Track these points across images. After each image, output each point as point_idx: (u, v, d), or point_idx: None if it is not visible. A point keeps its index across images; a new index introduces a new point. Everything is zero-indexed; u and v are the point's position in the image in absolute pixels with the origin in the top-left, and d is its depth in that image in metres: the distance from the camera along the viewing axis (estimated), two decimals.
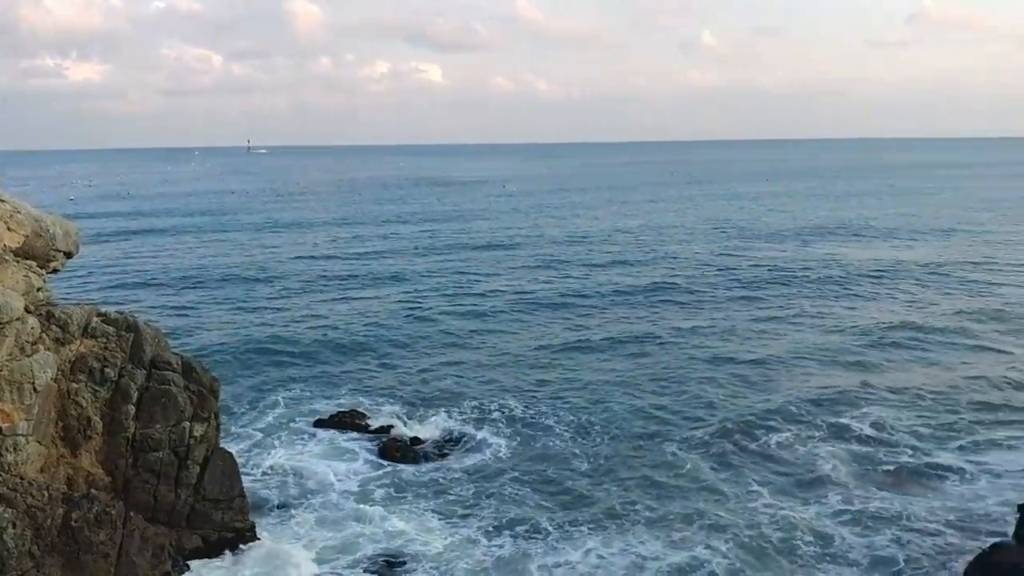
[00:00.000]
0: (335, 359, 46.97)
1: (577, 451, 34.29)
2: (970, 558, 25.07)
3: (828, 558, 26.27)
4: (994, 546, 24.92)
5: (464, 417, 37.94)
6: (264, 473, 32.03)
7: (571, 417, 37.77)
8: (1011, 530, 26.13)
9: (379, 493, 30.62)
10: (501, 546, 27.02)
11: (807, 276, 70.54)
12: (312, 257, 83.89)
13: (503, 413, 38.27)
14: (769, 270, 73.48)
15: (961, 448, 34.24)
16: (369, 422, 37.02)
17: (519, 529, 27.92)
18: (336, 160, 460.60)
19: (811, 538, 27.32)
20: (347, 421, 36.90)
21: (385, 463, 33.19)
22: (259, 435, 35.66)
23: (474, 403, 39.55)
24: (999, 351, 48.07)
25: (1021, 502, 26.64)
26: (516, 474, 32.18)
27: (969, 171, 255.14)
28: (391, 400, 40.21)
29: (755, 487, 31.00)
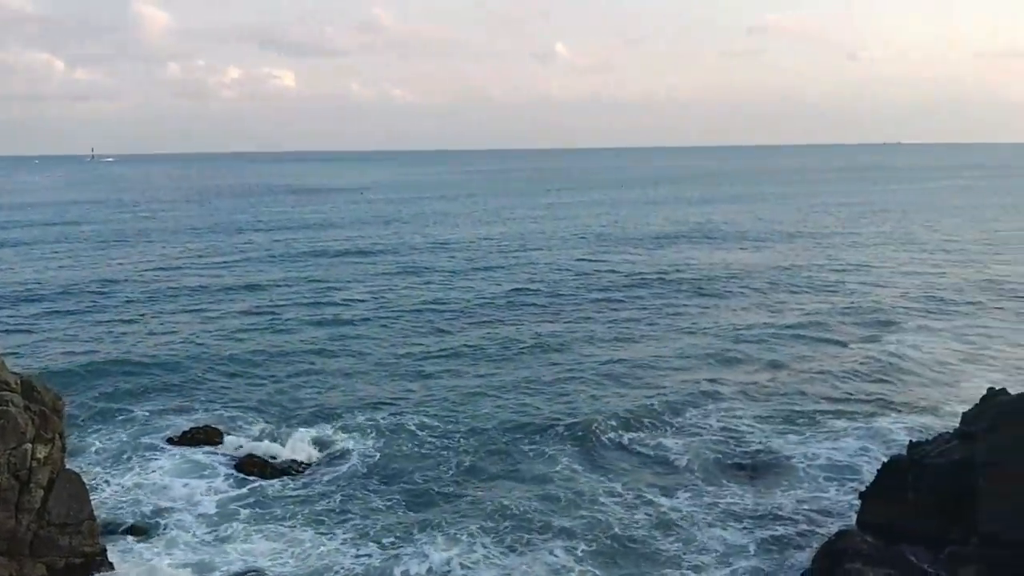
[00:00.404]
0: (189, 373, 45.25)
1: (443, 456, 34.21)
2: (817, 545, 26.29)
3: (684, 551, 27.05)
4: (839, 533, 26.19)
5: (327, 427, 37.25)
6: (116, 494, 30.59)
7: (436, 423, 37.65)
8: (855, 517, 27.64)
9: (240, 511, 29.69)
10: (369, 556, 26.66)
11: (663, 279, 72.63)
12: (162, 268, 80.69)
13: (367, 422, 37.75)
14: (626, 275, 75.21)
15: (809, 440, 35.83)
16: (228, 437, 35.88)
17: (386, 540, 27.60)
18: (187, 168, 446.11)
19: (668, 532, 28.14)
20: (203, 437, 35.62)
21: (245, 479, 32.22)
22: (110, 454, 34.04)
23: (337, 413, 38.91)
24: (843, 345, 50.68)
25: (862, 490, 28.21)
26: (382, 483, 31.85)
27: (815, 175, 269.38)
28: (251, 413, 39.13)
29: (614, 484, 31.66)
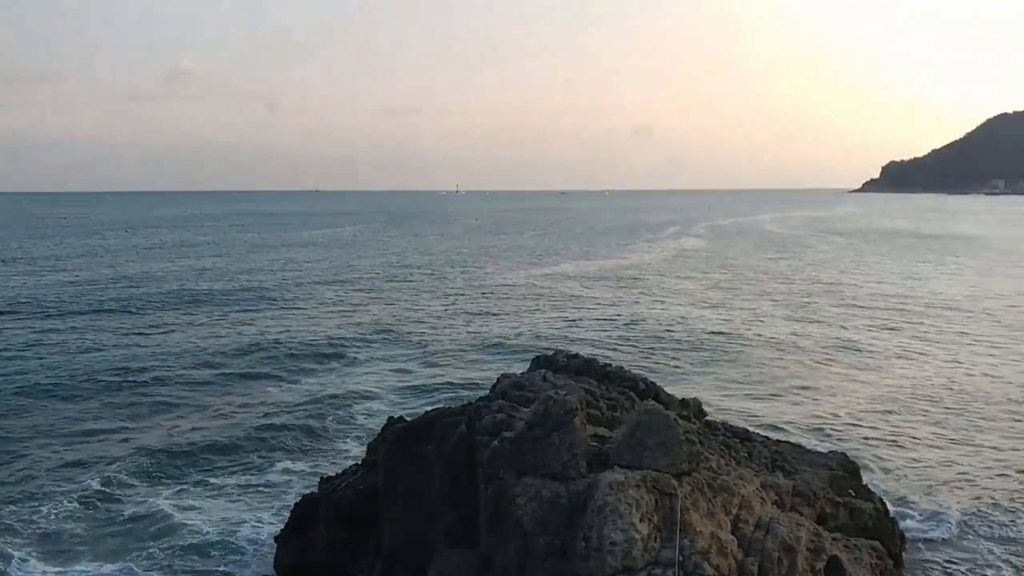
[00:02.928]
0: None
1: None
2: None
3: None
4: None
5: None
6: None
7: None
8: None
9: None
10: None
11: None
12: None
13: None
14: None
15: (224, 488, 35.03)
16: None
17: None
18: None
19: None
20: None
21: None
22: None
23: None
24: (278, 385, 51.40)
25: (276, 534, 28.27)
26: None
27: (250, 220, 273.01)
28: None
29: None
